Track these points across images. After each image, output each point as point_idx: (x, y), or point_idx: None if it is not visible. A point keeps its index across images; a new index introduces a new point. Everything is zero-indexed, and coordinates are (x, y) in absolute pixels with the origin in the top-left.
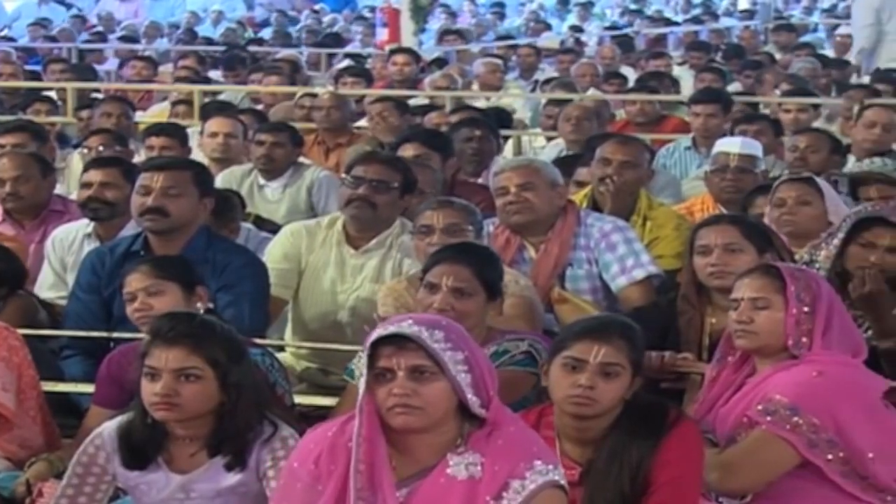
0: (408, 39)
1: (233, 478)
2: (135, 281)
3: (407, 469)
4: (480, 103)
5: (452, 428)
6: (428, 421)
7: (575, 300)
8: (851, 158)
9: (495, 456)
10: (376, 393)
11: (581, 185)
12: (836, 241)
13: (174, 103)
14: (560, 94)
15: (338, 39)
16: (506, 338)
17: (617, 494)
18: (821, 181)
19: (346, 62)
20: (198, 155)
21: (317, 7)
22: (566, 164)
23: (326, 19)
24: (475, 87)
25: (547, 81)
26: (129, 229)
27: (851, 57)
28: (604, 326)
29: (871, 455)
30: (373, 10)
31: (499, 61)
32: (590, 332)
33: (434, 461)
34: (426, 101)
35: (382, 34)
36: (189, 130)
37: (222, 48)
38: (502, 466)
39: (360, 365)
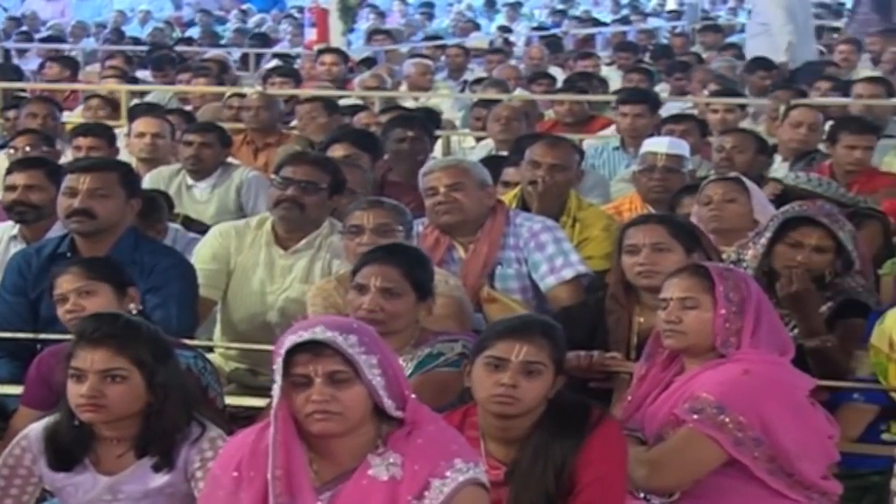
0: (336, 39)
1: (160, 479)
2: (66, 282)
3: (328, 473)
4: (409, 103)
5: (370, 430)
6: (346, 426)
7: (504, 300)
8: (778, 158)
9: (415, 456)
10: (293, 399)
11: (508, 185)
12: (763, 241)
13: (87, 97)
14: (488, 94)
15: (266, 39)
16: (438, 339)
17: (541, 493)
18: (748, 181)
19: (275, 62)
20: (125, 155)
21: (244, 7)
22: (493, 164)
23: (254, 19)
24: (404, 87)
25: (476, 82)
26: (56, 230)
27: (781, 55)
28: (525, 325)
29: (796, 453)
30: (301, 10)
31: (429, 62)
32: (511, 331)
33: (354, 463)
34: (355, 102)
35: (311, 34)
36: (116, 131)
37: (150, 48)
38: (423, 466)
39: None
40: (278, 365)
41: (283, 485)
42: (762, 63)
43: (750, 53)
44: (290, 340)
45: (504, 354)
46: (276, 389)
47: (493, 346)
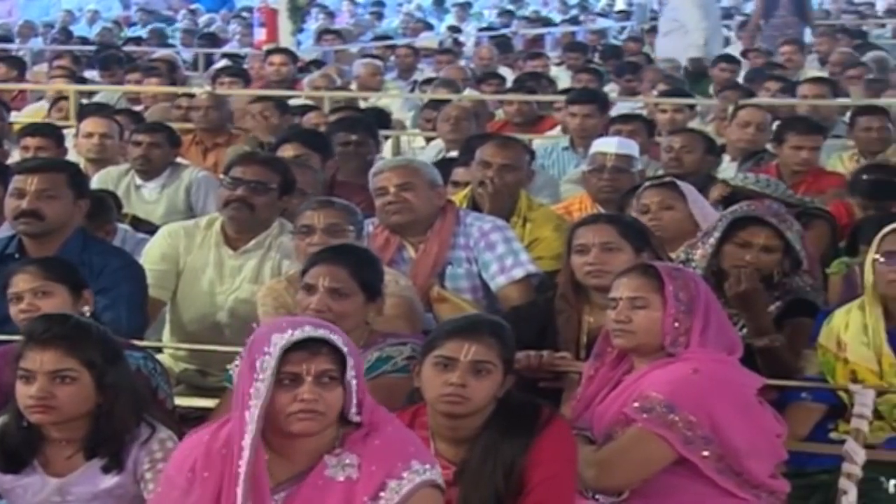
0: (286, 39)
1: (110, 480)
2: (22, 282)
3: (283, 473)
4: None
5: (332, 430)
6: (324, 426)
7: (454, 299)
8: (726, 158)
9: (372, 456)
10: (276, 398)
11: (458, 185)
12: (711, 241)
13: (56, 100)
14: (438, 94)
15: (215, 39)
16: (388, 342)
17: (491, 493)
18: (684, 185)
19: (224, 62)
20: (74, 156)
21: (193, 7)
22: (446, 165)
23: (203, 19)
24: (353, 87)
25: (426, 82)
26: (4, 230)
27: (697, 52)
28: (474, 325)
29: (745, 451)
30: (250, 10)
31: (379, 63)
32: (460, 330)
33: (310, 464)
34: (305, 102)
35: (260, 34)
36: (65, 131)
37: (98, 48)
38: (379, 467)
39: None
40: (268, 363)
41: (248, 484)
42: (725, 57)
43: (661, 51)
44: (283, 338)
45: (453, 354)
46: (260, 388)
47: (443, 345)
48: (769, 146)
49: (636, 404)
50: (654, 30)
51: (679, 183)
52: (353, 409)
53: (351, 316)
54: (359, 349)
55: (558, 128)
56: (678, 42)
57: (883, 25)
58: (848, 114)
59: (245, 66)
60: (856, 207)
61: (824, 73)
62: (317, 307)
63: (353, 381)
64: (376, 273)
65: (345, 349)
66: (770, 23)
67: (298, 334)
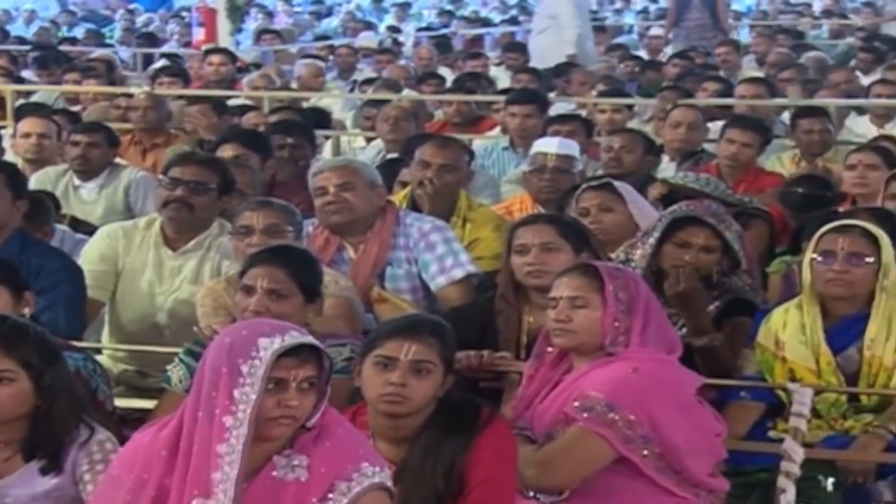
0: (224, 39)
1: (48, 482)
2: None
3: None
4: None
5: None
6: (294, 430)
7: (394, 300)
8: (665, 158)
9: (322, 458)
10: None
11: (405, 185)
12: (651, 241)
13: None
14: (377, 94)
15: (153, 39)
16: (327, 342)
17: (431, 493)
18: (622, 186)
19: (162, 62)
20: (11, 156)
21: (131, 7)
22: (392, 166)
23: (141, 19)
24: (294, 87)
25: (366, 81)
26: None
27: (570, 50)
28: (414, 325)
29: (684, 450)
30: (188, 9)
31: (321, 64)
32: (400, 330)
33: (259, 464)
34: (244, 102)
35: (199, 34)
36: (2, 131)
37: (35, 47)
38: (329, 468)
39: (176, 371)
40: (258, 367)
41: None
42: (681, 54)
43: (536, 49)
44: (273, 343)
45: (393, 353)
46: (249, 392)
47: (383, 345)
48: (709, 146)
49: (576, 404)
50: (593, 30)
51: (616, 184)
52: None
53: (290, 317)
54: None
55: (498, 128)
56: (553, 40)
57: (820, 26)
58: (786, 114)
59: (184, 66)
60: (787, 217)
61: (762, 74)
62: (255, 308)
63: (324, 387)
64: (315, 274)
65: (326, 360)
66: (682, 25)
67: (290, 340)
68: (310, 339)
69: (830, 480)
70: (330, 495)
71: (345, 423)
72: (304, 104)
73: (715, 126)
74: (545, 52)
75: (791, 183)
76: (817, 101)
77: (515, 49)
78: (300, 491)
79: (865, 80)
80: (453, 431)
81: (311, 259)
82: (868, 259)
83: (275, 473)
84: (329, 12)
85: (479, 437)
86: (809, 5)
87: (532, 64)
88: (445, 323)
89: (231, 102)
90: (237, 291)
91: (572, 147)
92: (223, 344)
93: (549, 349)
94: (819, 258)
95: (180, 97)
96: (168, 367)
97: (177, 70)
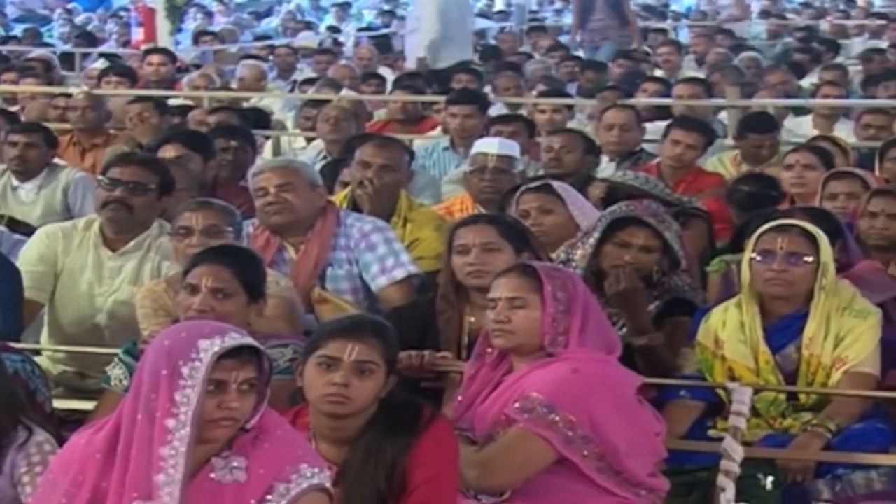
0: (164, 39)
1: None
2: None
3: None
4: None
5: None
6: (234, 431)
7: (335, 300)
8: (605, 158)
9: (260, 459)
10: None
11: (347, 185)
12: (591, 241)
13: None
14: (316, 94)
15: (92, 39)
16: (269, 343)
17: (373, 493)
18: (561, 186)
19: (101, 62)
20: None
21: (70, 6)
22: (333, 166)
23: (80, 18)
24: (234, 87)
25: (306, 82)
26: None
27: (420, 54)
28: (357, 325)
29: (624, 450)
30: (127, 9)
31: (264, 66)
32: (343, 330)
33: (197, 466)
34: (184, 102)
35: (138, 34)
36: None
37: None
38: (267, 470)
39: (115, 370)
40: (199, 369)
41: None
42: (622, 54)
43: (408, 50)
44: (214, 344)
45: (336, 354)
46: (191, 394)
47: (325, 345)
48: (649, 146)
49: (517, 405)
50: (533, 30)
51: (555, 185)
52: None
53: (233, 316)
54: None
55: (439, 128)
56: (417, 41)
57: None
58: (723, 113)
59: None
60: (732, 216)
61: (701, 74)
62: (200, 307)
63: (264, 388)
64: (259, 274)
65: (266, 361)
66: (587, 27)
67: (230, 342)
68: (249, 340)
69: (770, 479)
70: (268, 497)
71: (284, 425)
72: (245, 104)
73: (653, 126)
74: (414, 52)
75: (738, 181)
76: (756, 101)
77: None
78: (238, 492)
79: (805, 81)
80: (395, 432)
81: (255, 258)
82: (807, 258)
83: (213, 475)
84: (269, 12)
85: (421, 437)
86: (748, 6)
87: (407, 65)
88: (388, 324)
89: (171, 102)
90: (181, 290)
91: (513, 147)
92: (162, 346)
93: (490, 350)
94: (758, 258)
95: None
96: (107, 368)
97: (124, 70)
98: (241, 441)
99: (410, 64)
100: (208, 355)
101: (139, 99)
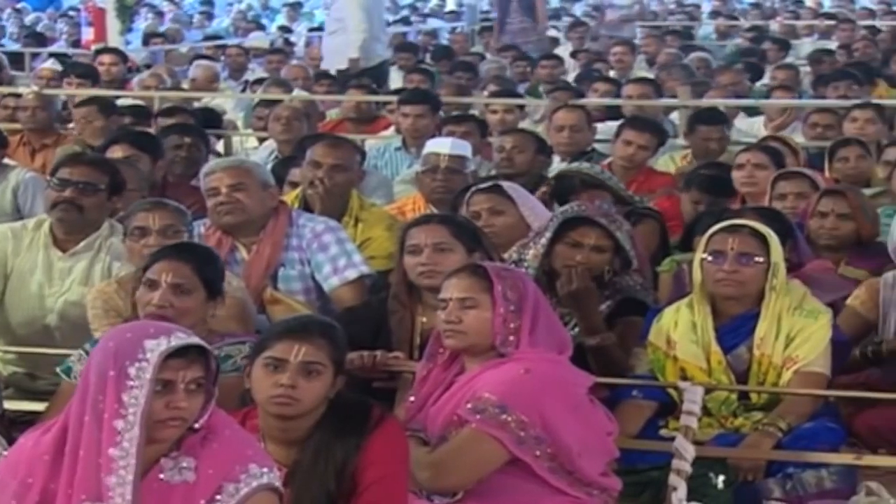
0: (114, 39)
1: None
2: None
3: None
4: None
5: None
6: (182, 431)
7: (287, 301)
8: (557, 158)
9: (210, 459)
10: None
11: (295, 185)
12: (543, 241)
13: None
14: (268, 94)
15: (41, 39)
16: (226, 341)
17: (323, 494)
18: (511, 187)
19: (51, 61)
20: None
21: (19, 6)
22: (285, 166)
23: (29, 18)
24: (185, 87)
25: (257, 81)
26: None
27: (353, 54)
28: (304, 326)
29: (576, 450)
30: (77, 9)
31: (217, 67)
32: (290, 331)
33: (146, 467)
34: (135, 102)
35: (88, 33)
36: None
37: None
38: (216, 470)
39: (78, 364)
40: (146, 370)
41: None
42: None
43: (326, 51)
44: (160, 344)
45: (283, 355)
46: (138, 395)
47: (273, 346)
48: (601, 146)
49: (469, 405)
50: (485, 30)
51: (505, 185)
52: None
53: (192, 313)
54: None
55: (392, 128)
56: (340, 42)
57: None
58: (674, 114)
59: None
60: (689, 203)
61: (651, 74)
62: (159, 303)
63: (212, 387)
64: (218, 271)
65: (212, 361)
66: (506, 30)
67: (176, 342)
68: (196, 339)
69: (721, 478)
70: (218, 497)
71: (232, 425)
72: (196, 104)
73: (605, 126)
74: (333, 53)
75: (697, 167)
76: (706, 101)
77: (407, 49)
78: (188, 493)
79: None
80: (344, 432)
81: (214, 256)
82: (757, 259)
83: (162, 476)
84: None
85: (371, 437)
86: (699, 6)
87: (323, 66)
88: (336, 324)
89: (121, 102)
90: (129, 292)
91: (464, 147)
92: (108, 348)
93: (441, 350)
94: (709, 258)
95: (72, 96)
96: (59, 369)
97: (87, 70)
98: (189, 441)
99: (327, 65)
100: (155, 355)
101: (86, 101)
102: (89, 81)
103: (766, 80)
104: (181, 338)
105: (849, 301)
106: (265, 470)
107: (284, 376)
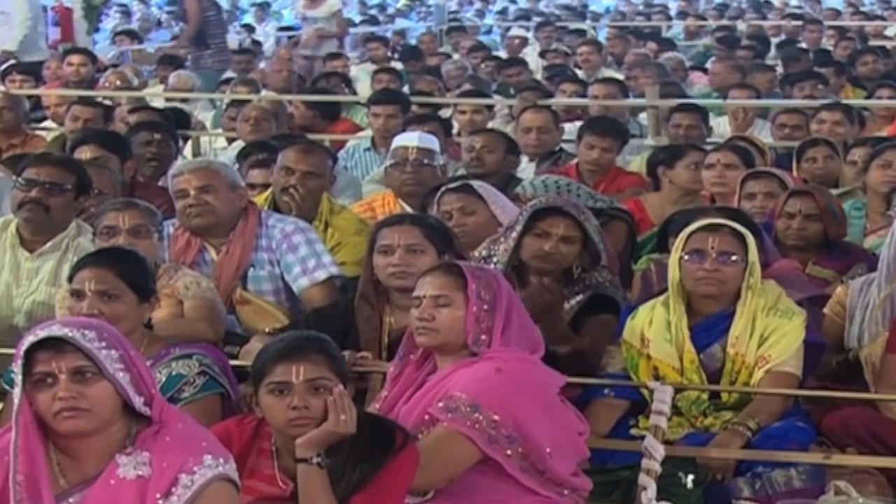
0: (82, 39)
1: None
2: None
3: (76, 476)
4: (158, 103)
5: (120, 429)
6: (96, 422)
7: (257, 301)
8: (525, 158)
9: (164, 453)
10: (37, 400)
11: (254, 187)
12: (514, 235)
13: None
14: (237, 95)
15: None
16: (171, 356)
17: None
18: (481, 186)
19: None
20: None
21: None
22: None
23: None
24: (150, 85)
25: (225, 81)
26: None
27: (11, 47)
28: (297, 346)
29: (548, 450)
30: (45, 8)
31: (193, 77)
32: (285, 354)
33: (103, 465)
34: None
35: (55, 33)
36: None
37: None
38: (171, 463)
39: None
40: (18, 366)
41: (24, 490)
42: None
43: None
44: (27, 340)
45: (285, 378)
46: (16, 392)
47: (272, 371)
48: (565, 145)
49: (441, 404)
50: (453, 30)
51: (475, 184)
52: (139, 401)
53: (125, 317)
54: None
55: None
56: (3, 34)
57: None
58: (641, 115)
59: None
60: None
61: (618, 74)
62: (88, 312)
63: (121, 374)
64: (145, 272)
65: (88, 346)
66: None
67: (40, 334)
68: (63, 331)
69: (690, 477)
70: (173, 489)
71: (185, 418)
72: (155, 102)
73: (573, 126)
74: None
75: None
76: (673, 100)
77: (376, 39)
78: (144, 487)
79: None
80: (366, 456)
81: (139, 258)
82: (736, 258)
83: (118, 472)
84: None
85: (388, 467)
86: (666, 6)
87: None
88: (327, 337)
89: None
90: (69, 299)
91: (432, 141)
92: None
93: (415, 349)
94: (688, 257)
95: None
96: (10, 369)
97: (28, 68)
98: (143, 436)
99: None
100: (21, 351)
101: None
102: (32, 79)
103: None
104: (51, 330)
105: (825, 309)
106: (221, 460)
107: (294, 399)
